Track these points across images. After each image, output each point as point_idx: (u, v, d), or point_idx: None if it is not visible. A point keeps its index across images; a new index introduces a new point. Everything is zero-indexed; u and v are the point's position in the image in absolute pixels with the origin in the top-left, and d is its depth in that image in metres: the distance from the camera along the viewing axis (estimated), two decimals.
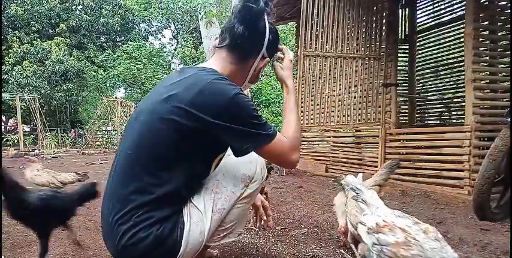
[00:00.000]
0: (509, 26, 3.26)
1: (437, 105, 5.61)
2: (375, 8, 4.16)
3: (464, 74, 3.33)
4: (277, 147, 1.12)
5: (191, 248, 1.11)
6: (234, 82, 1.12)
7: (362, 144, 4.67)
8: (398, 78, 4.60)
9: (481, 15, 3.21)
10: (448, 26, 5.19)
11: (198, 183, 1.19)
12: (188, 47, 19.54)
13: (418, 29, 5.54)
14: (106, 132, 13.10)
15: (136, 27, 20.84)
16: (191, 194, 1.16)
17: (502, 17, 3.28)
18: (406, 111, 5.70)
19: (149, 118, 1.09)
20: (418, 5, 5.48)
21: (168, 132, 1.05)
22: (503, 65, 3.34)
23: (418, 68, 5.66)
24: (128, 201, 1.05)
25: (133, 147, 1.09)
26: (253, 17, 1.15)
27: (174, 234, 1.07)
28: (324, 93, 4.25)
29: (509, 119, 2.22)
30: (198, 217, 1.13)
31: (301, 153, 5.68)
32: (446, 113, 5.52)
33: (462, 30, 4.15)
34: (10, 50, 15.27)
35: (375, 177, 2.15)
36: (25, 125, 15.40)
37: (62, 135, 13.87)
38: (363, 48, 4.14)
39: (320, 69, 4.08)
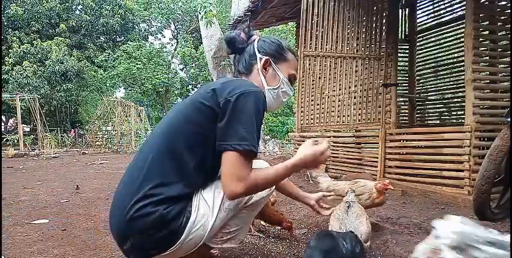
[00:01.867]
0: (509, 26, 3.26)
1: (437, 105, 5.61)
2: (374, 8, 4.15)
3: (464, 74, 3.33)
4: (231, 164, 1.07)
5: (191, 238, 1.12)
6: None
7: (362, 144, 4.67)
8: (398, 78, 4.60)
9: (481, 15, 3.20)
10: (448, 26, 5.18)
11: (208, 170, 1.21)
12: (188, 47, 19.53)
13: (418, 29, 5.54)
14: (106, 132, 13.09)
15: (136, 27, 20.82)
16: (202, 181, 1.20)
17: (502, 17, 3.28)
18: (406, 111, 5.70)
19: (184, 105, 1.23)
20: (418, 5, 5.48)
21: (195, 114, 1.16)
22: (503, 65, 3.34)
23: (418, 68, 5.66)
24: (142, 175, 1.12)
25: (168, 127, 1.21)
26: (237, 45, 1.38)
27: (179, 220, 1.10)
28: (324, 93, 4.25)
29: (509, 119, 2.22)
30: (205, 210, 1.15)
31: None
32: (446, 113, 5.51)
33: (462, 30, 4.15)
34: (10, 50, 15.27)
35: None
36: (25, 125, 15.40)
37: (62, 135, 13.88)
38: (363, 48, 4.13)
39: (320, 69, 4.07)
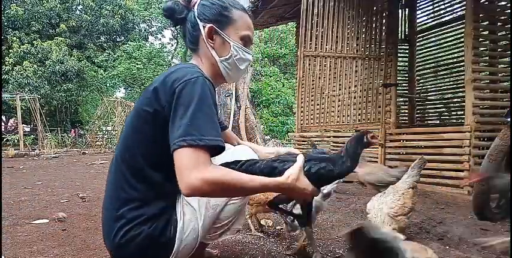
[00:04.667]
0: (509, 26, 3.26)
1: (437, 105, 5.61)
2: (374, 8, 4.15)
3: (464, 74, 3.33)
4: (178, 161, 0.94)
5: (185, 245, 1.12)
6: (214, 66, 1.18)
7: None
8: (398, 78, 4.60)
9: (481, 15, 3.20)
10: (448, 26, 5.19)
11: None
12: None
13: (418, 29, 5.54)
14: (106, 132, 13.10)
15: (137, 27, 20.83)
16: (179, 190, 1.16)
17: (502, 17, 3.28)
18: (406, 111, 5.69)
19: (130, 117, 1.14)
20: (418, 5, 5.48)
21: (138, 122, 1.08)
22: (503, 65, 3.34)
23: (418, 68, 5.66)
24: (120, 198, 1.08)
25: (121, 142, 1.14)
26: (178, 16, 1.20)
27: (167, 232, 1.09)
28: (324, 93, 4.25)
29: (509, 119, 2.22)
30: (192, 214, 1.14)
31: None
32: (446, 113, 5.52)
33: (462, 30, 4.15)
34: (10, 50, 15.28)
35: (406, 179, 1.95)
36: (25, 125, 15.42)
37: (62, 135, 13.90)
38: (362, 48, 4.13)
39: (320, 69, 4.08)
